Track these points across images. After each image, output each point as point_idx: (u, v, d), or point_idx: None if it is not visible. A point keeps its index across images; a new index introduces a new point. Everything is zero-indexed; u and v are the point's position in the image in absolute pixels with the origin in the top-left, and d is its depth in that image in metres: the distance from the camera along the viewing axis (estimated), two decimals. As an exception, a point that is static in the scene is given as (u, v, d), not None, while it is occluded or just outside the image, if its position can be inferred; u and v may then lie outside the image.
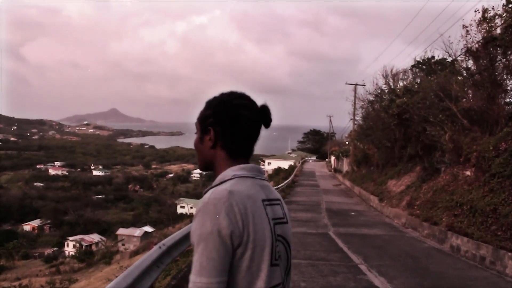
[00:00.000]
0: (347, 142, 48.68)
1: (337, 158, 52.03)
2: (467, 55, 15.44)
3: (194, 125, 1.57)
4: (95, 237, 58.41)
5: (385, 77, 26.39)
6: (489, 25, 13.79)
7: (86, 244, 52.73)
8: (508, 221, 9.32)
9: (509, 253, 8.56)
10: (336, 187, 35.67)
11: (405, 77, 25.61)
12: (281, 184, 29.44)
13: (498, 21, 13.79)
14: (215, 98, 1.54)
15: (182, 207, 67.80)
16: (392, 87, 25.51)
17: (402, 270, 8.77)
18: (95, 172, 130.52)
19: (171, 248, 6.09)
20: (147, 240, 37.62)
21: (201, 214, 1.31)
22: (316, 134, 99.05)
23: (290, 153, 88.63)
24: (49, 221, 75.26)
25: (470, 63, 16.17)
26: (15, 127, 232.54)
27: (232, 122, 1.48)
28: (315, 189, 32.46)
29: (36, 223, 74.69)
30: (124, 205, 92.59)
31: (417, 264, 9.53)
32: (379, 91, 27.75)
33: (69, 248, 55.00)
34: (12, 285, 30.11)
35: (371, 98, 29.91)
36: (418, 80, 23.92)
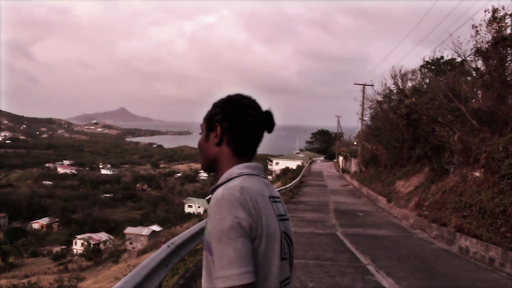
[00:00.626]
0: (355, 143, 48.55)
1: (345, 158, 51.91)
2: (476, 55, 15.34)
3: (200, 126, 1.61)
4: (103, 236, 58.63)
5: (394, 77, 26.31)
6: (499, 25, 13.70)
7: (94, 243, 52.93)
8: (517, 223, 9.25)
9: (519, 255, 8.50)
10: (344, 187, 35.59)
11: (414, 77, 25.53)
12: (289, 184, 29.41)
13: (508, 21, 13.71)
14: (222, 98, 1.58)
15: (190, 206, 67.99)
16: (400, 87, 25.41)
17: (410, 271, 8.73)
18: (103, 171, 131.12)
19: (179, 247, 6.11)
20: (154, 239, 37.70)
21: (216, 210, 1.31)
22: (324, 134, 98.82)
23: (298, 153, 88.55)
24: (57, 219, 75.73)
25: (480, 63, 16.08)
26: (25, 126, 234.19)
27: (239, 119, 1.51)
28: (323, 189, 32.40)
29: (44, 221, 75.23)
30: (132, 204, 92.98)
31: (425, 265, 9.48)
32: (388, 91, 27.67)
33: (77, 247, 55.27)
34: (20, 282, 30.24)
35: (379, 98, 29.83)
36: (427, 81, 23.81)
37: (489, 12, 13.92)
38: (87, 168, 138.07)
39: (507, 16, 13.67)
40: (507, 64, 14.05)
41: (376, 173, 30.41)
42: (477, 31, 14.38)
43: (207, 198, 1.55)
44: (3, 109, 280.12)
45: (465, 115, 15.09)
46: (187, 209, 66.65)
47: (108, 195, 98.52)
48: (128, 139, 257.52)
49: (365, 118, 37.80)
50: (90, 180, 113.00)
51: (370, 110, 34.21)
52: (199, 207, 64.08)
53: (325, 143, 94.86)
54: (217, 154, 1.53)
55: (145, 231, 54.75)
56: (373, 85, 36.20)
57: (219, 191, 1.38)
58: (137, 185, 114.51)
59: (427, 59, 24.61)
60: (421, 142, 20.81)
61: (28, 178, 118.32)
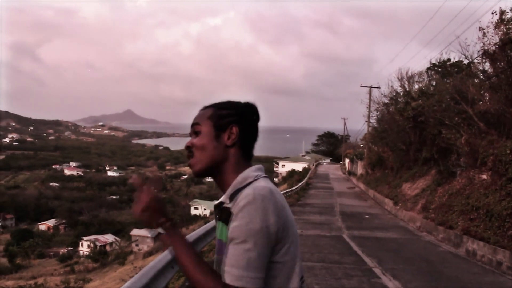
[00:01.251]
0: (361, 145, 48.42)
1: (351, 160, 51.82)
2: (484, 57, 15.27)
3: (194, 127, 1.55)
4: (109, 238, 58.80)
5: (400, 79, 26.23)
6: (507, 27, 13.62)
7: (100, 244, 53.07)
8: (525, 226, 9.20)
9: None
10: (350, 189, 35.52)
11: (421, 79, 25.43)
12: (295, 187, 29.40)
13: (516, 23, 13.62)
14: (228, 101, 1.57)
15: (196, 208, 68.03)
16: (407, 89, 25.33)
17: (416, 273, 8.70)
18: (109, 173, 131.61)
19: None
20: (160, 241, 37.72)
21: (247, 210, 1.31)
22: (330, 137, 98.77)
23: (304, 156, 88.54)
24: (64, 221, 75.98)
25: (487, 65, 15.99)
26: (32, 128, 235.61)
27: (252, 123, 1.54)
28: (329, 191, 32.37)
29: (51, 222, 75.50)
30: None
31: (432, 268, 9.44)
32: (394, 94, 27.61)
33: (84, 248, 55.46)
34: (27, 283, 30.41)
35: (386, 100, 29.79)
36: (434, 83, 23.73)
37: (496, 14, 13.85)
38: (93, 170, 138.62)
39: (514, 18, 13.60)
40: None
41: (383, 176, 30.33)
42: (484, 33, 14.31)
43: (216, 203, 1.53)
44: (11, 111, 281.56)
45: (472, 118, 15.02)
46: (193, 211, 66.68)
47: (114, 197, 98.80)
48: (134, 141, 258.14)
49: (372, 121, 37.74)
50: (96, 182, 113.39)
51: (377, 112, 34.20)
52: (205, 209, 64.07)
53: (331, 145, 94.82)
54: (226, 156, 1.49)
55: (151, 233, 54.83)
56: (379, 87, 36.19)
57: (248, 191, 1.35)
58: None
59: (434, 61, 24.57)
60: (427, 144, 20.74)
61: (35, 179, 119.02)
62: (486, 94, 15.85)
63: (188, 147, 1.54)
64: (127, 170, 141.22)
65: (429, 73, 24.99)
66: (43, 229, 73.64)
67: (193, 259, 1.37)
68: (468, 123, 15.21)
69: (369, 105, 37.88)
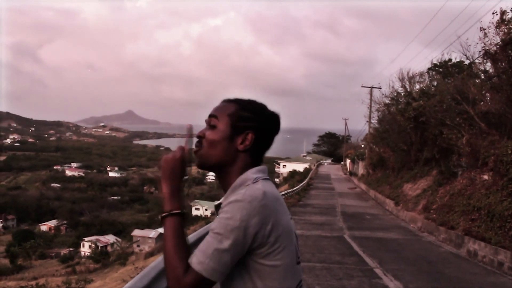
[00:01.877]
0: (362, 145, 48.45)
1: (353, 161, 51.81)
2: (485, 57, 15.26)
3: (210, 119, 1.51)
4: (110, 238, 58.82)
5: (402, 80, 26.23)
6: (508, 27, 13.62)
7: (101, 245, 53.07)
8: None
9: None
10: (351, 190, 35.52)
11: (422, 80, 25.45)
12: (296, 187, 29.40)
13: (517, 23, 13.61)
14: (253, 104, 1.53)
15: (197, 209, 68.05)
16: (408, 90, 25.33)
17: (418, 274, 8.69)
18: (111, 174, 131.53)
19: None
20: (161, 242, 37.78)
21: (232, 207, 1.31)
22: (331, 137, 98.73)
23: (305, 156, 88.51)
24: (65, 222, 76.06)
25: (488, 65, 16.00)
26: (33, 129, 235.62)
27: (270, 133, 1.52)
28: (330, 192, 32.36)
29: (52, 223, 75.54)
30: (140, 206, 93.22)
31: (433, 268, 9.43)
32: (395, 94, 27.62)
33: (85, 249, 55.46)
34: (29, 284, 30.42)
35: (387, 101, 29.79)
36: (435, 83, 23.74)
37: (497, 14, 13.85)
38: (94, 171, 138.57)
39: (515, 18, 13.59)
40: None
41: (384, 176, 30.32)
42: (485, 33, 14.30)
43: (216, 203, 1.53)
44: (12, 112, 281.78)
45: (473, 118, 15.02)
46: (194, 212, 66.70)
47: (115, 197, 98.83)
48: (135, 142, 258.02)
49: (373, 121, 37.70)
50: (97, 182, 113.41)
51: (378, 112, 34.17)
52: (206, 209, 64.10)
53: (332, 145, 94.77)
54: (234, 159, 1.48)
55: (153, 233, 54.86)
56: (380, 88, 36.14)
57: (241, 191, 1.36)
58: (145, 187, 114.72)
59: (435, 62, 24.58)
60: (429, 145, 20.73)
61: (37, 180, 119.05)
62: (487, 94, 15.85)
63: (199, 137, 1.52)
64: (128, 170, 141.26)
65: (430, 73, 25.00)
66: (44, 230, 73.69)
67: (175, 240, 1.38)
68: (470, 123, 15.21)
69: (370, 106, 37.86)
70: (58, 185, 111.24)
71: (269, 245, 1.34)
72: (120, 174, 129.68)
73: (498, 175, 11.84)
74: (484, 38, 14.40)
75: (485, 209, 11.25)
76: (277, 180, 66.22)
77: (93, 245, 51.20)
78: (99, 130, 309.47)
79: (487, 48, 14.47)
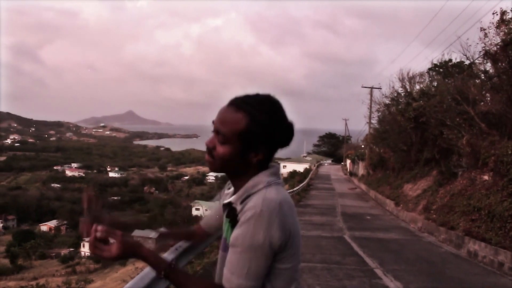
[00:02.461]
0: (362, 146, 48.43)
1: (353, 161, 51.80)
2: (485, 58, 15.25)
3: (218, 125, 1.42)
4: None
5: (402, 80, 26.21)
6: (508, 27, 13.61)
7: (102, 245, 53.05)
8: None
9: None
10: (351, 190, 35.51)
11: (422, 80, 25.44)
12: (297, 187, 29.40)
13: (517, 23, 13.61)
14: (265, 109, 1.40)
15: (197, 209, 67.96)
16: (408, 90, 25.33)
17: (418, 274, 8.68)
18: (111, 174, 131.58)
19: (187, 251, 6.10)
20: (162, 242, 37.78)
21: (253, 223, 1.32)
22: (331, 138, 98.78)
23: (305, 156, 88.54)
24: (65, 222, 76.13)
25: (489, 66, 15.97)
26: (33, 129, 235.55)
27: (285, 144, 1.47)
28: (330, 192, 32.35)
29: (53, 223, 75.67)
30: (140, 206, 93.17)
31: (433, 269, 9.43)
32: (396, 94, 27.60)
33: (85, 249, 55.41)
34: (29, 284, 30.46)
35: (387, 101, 29.78)
36: (435, 83, 23.72)
37: (497, 14, 13.84)
38: (95, 171, 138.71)
39: (516, 19, 13.58)
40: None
41: (384, 176, 30.31)
42: (485, 33, 14.29)
43: (225, 202, 1.49)
44: (12, 112, 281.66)
45: (473, 118, 15.01)
46: (194, 212, 66.59)
47: (116, 197, 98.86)
48: (135, 142, 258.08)
49: (373, 121, 37.69)
50: (98, 182, 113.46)
51: (378, 113, 34.15)
52: (206, 210, 64.03)
53: (332, 146, 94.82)
54: (247, 168, 1.45)
55: (153, 234, 54.38)
56: (380, 88, 36.15)
57: (257, 201, 1.35)
58: (145, 188, 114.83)
59: (435, 62, 24.56)
60: (429, 145, 20.73)
61: (37, 180, 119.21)
62: (487, 94, 15.84)
63: (209, 148, 1.45)
64: (128, 171, 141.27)
65: (431, 73, 24.99)
66: (44, 230, 73.76)
67: (189, 281, 1.41)
68: (470, 123, 15.20)
69: (370, 106, 37.85)
70: (59, 185, 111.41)
71: (286, 251, 1.37)
72: (121, 174, 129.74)
73: (499, 176, 11.84)
74: (484, 38, 14.39)
75: (485, 210, 11.24)
76: (277, 180, 66.07)
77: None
78: (99, 130, 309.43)
79: (488, 48, 14.46)
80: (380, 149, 33.00)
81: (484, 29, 14.24)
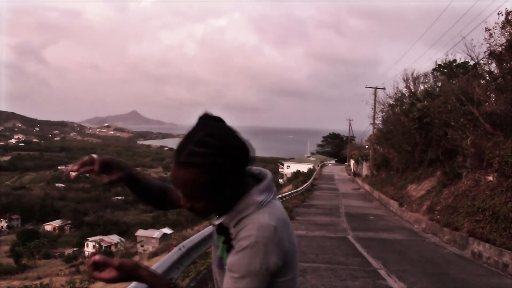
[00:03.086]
0: (366, 146, 48.35)
1: (357, 162, 51.72)
2: (490, 58, 15.21)
3: (181, 190, 1.36)
4: (114, 238, 58.95)
5: (406, 80, 26.17)
6: (513, 28, 13.57)
7: (105, 245, 53.24)
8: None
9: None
10: (355, 191, 35.47)
11: (426, 80, 25.37)
12: (300, 188, 29.40)
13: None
14: (214, 153, 1.30)
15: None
16: (412, 90, 25.27)
17: (422, 275, 8.67)
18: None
19: (190, 250, 6.13)
20: (165, 242, 37.81)
21: (249, 253, 1.29)
22: (335, 138, 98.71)
23: (309, 157, 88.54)
24: (69, 222, 76.32)
25: (493, 66, 15.93)
26: (38, 129, 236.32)
27: (248, 160, 1.38)
28: (334, 192, 32.33)
29: (57, 223, 75.83)
30: (143, 206, 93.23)
31: (437, 269, 9.40)
32: (400, 95, 27.56)
33: (89, 249, 55.61)
34: (33, 283, 30.48)
35: (391, 101, 29.73)
36: (440, 84, 23.65)
37: (502, 15, 13.79)
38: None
39: (521, 19, 13.53)
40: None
41: (388, 177, 30.26)
42: (490, 34, 14.24)
43: (216, 223, 1.46)
44: (17, 112, 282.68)
45: (478, 119, 14.96)
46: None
47: (119, 197, 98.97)
48: (139, 142, 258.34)
49: (377, 122, 37.63)
50: (102, 182, 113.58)
51: (382, 113, 34.12)
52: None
53: (336, 146, 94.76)
54: (232, 197, 1.38)
55: (156, 233, 54.92)
56: (384, 89, 36.12)
57: (251, 231, 1.30)
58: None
59: (439, 62, 24.47)
60: (433, 145, 20.66)
61: (41, 180, 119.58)
62: (492, 95, 15.79)
63: (189, 209, 1.40)
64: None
65: (435, 74, 24.91)
66: (48, 230, 73.98)
67: None
68: (474, 124, 15.15)
69: (374, 106, 37.81)
70: (63, 185, 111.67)
71: (284, 267, 1.35)
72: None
73: (503, 176, 11.80)
74: (489, 39, 14.34)
75: (489, 210, 11.20)
76: (281, 180, 66.19)
77: (97, 245, 51.39)
78: (103, 130, 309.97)
79: (492, 48, 14.42)
80: (384, 150, 32.93)
81: (489, 30, 14.19)
